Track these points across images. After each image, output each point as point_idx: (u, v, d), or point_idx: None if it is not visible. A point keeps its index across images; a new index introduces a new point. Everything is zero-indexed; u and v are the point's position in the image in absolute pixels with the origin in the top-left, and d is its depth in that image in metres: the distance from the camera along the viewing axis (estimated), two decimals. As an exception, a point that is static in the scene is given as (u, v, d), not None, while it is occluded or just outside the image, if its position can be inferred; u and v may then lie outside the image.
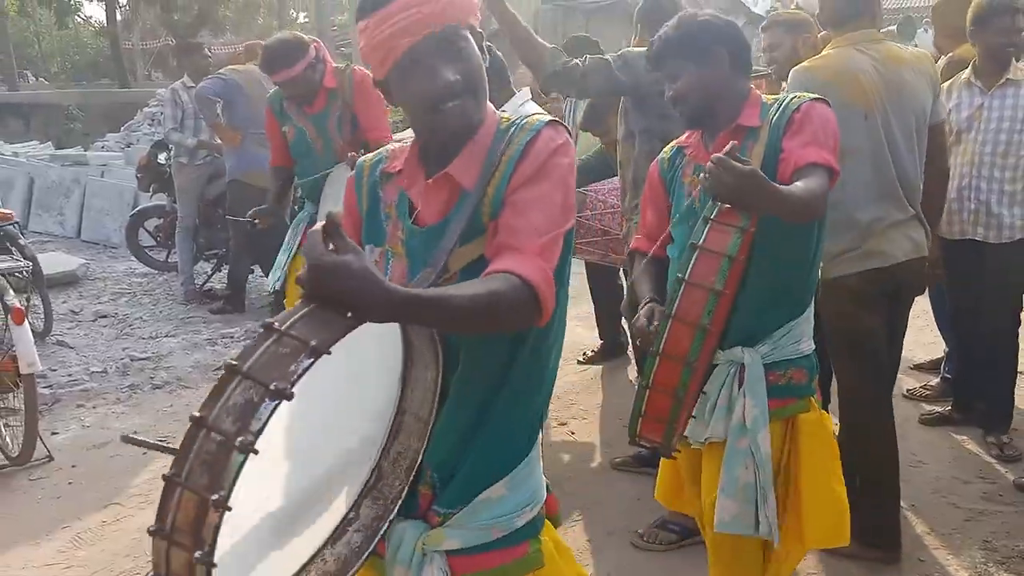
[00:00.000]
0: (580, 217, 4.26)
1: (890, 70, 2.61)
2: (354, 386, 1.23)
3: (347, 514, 1.29)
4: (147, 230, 7.07)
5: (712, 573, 2.24)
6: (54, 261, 6.87)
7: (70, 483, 3.48)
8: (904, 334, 2.96)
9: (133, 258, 7.23)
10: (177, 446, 0.96)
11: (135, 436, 1.10)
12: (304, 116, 3.67)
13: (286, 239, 3.86)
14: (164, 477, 0.97)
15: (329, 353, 1.00)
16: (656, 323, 1.90)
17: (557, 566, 1.43)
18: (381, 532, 1.30)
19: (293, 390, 0.95)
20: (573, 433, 3.88)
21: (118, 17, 24.72)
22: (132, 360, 4.96)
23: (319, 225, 1.06)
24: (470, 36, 1.32)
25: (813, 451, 2.09)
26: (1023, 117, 3.29)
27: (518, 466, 1.38)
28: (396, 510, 1.31)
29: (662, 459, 2.35)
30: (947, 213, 3.42)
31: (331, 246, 1.02)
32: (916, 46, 12.37)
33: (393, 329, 1.24)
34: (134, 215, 7.21)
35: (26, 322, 3.43)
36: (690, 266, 1.73)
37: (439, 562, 1.33)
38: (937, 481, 3.34)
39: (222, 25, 26.91)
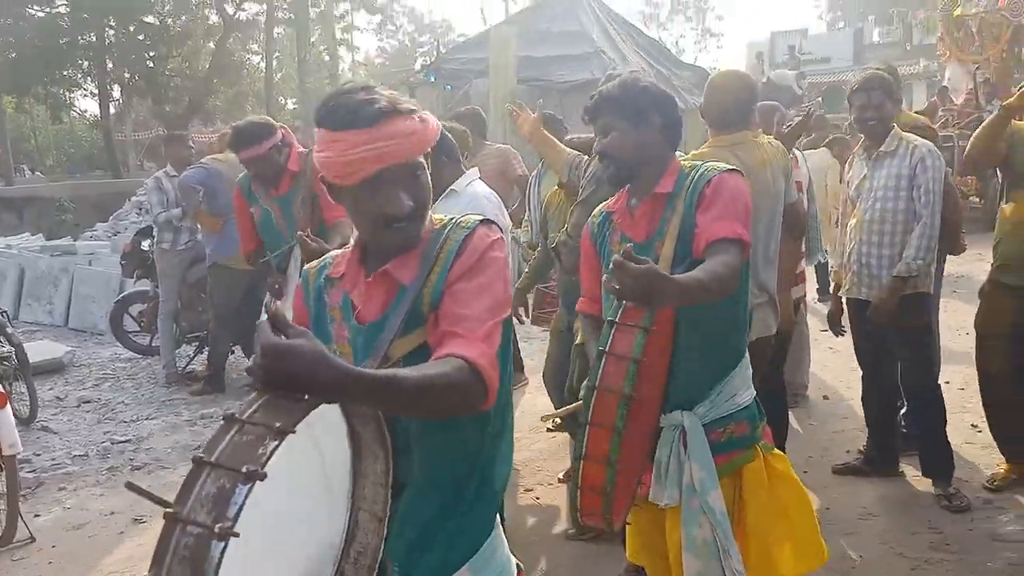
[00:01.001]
0: (543, 287, 4.48)
1: (754, 173, 2.84)
2: (309, 491, 1.24)
3: None
4: (131, 315, 7.23)
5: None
6: (41, 349, 7.02)
7: (50, 563, 3.58)
8: None
9: (118, 344, 7.38)
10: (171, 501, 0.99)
11: (137, 485, 1.08)
12: (270, 198, 3.87)
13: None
14: (165, 514, 0.99)
15: (294, 432, 1.04)
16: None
17: None
18: None
19: (264, 471, 0.98)
20: (539, 499, 4.00)
21: (111, 110, 25.36)
22: (113, 443, 5.08)
23: (265, 318, 1.13)
24: (426, 164, 1.47)
25: (757, 498, 2.16)
26: (895, 185, 3.57)
27: (483, 547, 1.46)
28: None
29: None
30: (846, 273, 3.81)
31: (280, 332, 1.09)
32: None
33: (339, 424, 1.27)
34: (118, 301, 7.38)
35: (8, 406, 3.58)
36: (609, 339, 1.86)
37: None
38: (885, 533, 3.48)
39: (212, 115, 27.56)
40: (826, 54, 31.55)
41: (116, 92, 25.15)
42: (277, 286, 3.95)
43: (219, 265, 5.79)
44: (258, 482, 0.98)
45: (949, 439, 3.76)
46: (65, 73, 23.26)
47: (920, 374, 3.74)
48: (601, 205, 2.38)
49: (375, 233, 1.46)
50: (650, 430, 2.11)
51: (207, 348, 6.48)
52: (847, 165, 3.98)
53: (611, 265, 1.70)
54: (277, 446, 1.02)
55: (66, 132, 32.92)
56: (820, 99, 17.05)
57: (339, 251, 1.61)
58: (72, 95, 25.27)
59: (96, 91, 24.81)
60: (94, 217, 13.75)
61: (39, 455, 4.84)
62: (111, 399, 6.09)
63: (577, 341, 3.17)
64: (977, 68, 12.79)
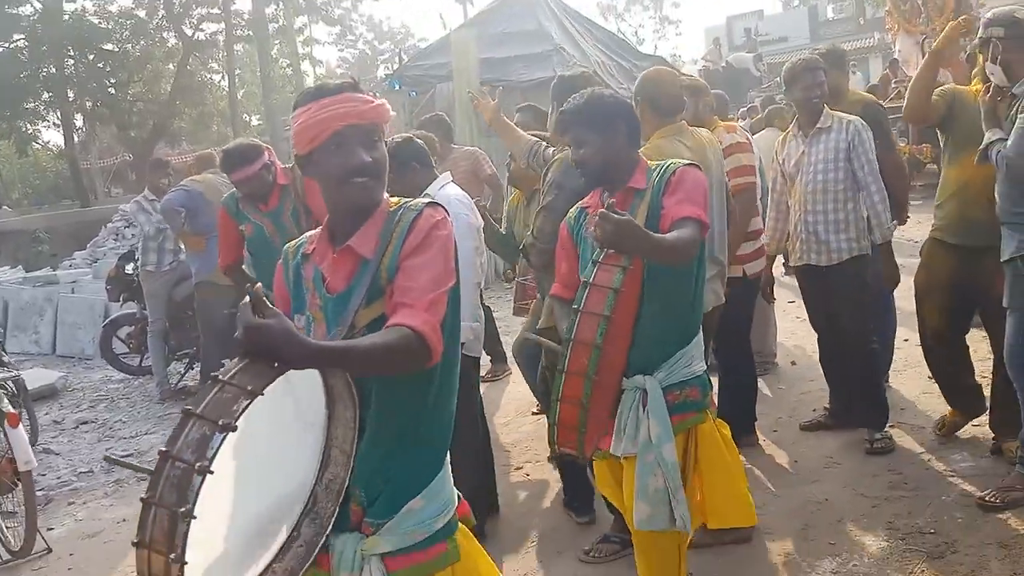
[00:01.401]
0: (522, 280, 4.73)
1: (699, 153, 3.23)
2: (290, 431, 1.54)
3: (291, 533, 1.57)
4: (119, 338, 7.39)
5: (639, 564, 2.62)
6: (33, 376, 7.17)
7: (69, 569, 3.79)
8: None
9: (108, 366, 7.55)
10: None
11: (114, 456, 1.41)
12: (260, 213, 4.09)
13: None
14: (141, 499, 1.28)
15: (263, 395, 1.33)
16: None
17: (471, 558, 1.79)
18: (319, 546, 1.59)
19: (236, 424, 1.28)
20: (528, 475, 4.25)
21: (75, 139, 25.27)
22: (116, 458, 5.26)
23: (246, 298, 1.40)
24: (382, 136, 1.73)
25: (710, 455, 2.50)
26: (833, 158, 3.86)
27: (432, 482, 1.72)
28: (330, 527, 1.60)
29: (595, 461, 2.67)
30: (791, 244, 4.09)
31: (258, 313, 1.37)
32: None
33: (316, 379, 1.54)
34: (107, 325, 7.55)
35: (21, 425, 3.78)
36: (583, 298, 2.15)
37: (376, 563, 1.65)
38: (847, 476, 3.76)
39: (177, 136, 27.55)
40: (783, 34, 32.06)
41: (79, 121, 25.07)
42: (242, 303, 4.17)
43: (205, 282, 5.98)
44: (230, 432, 1.27)
45: (899, 389, 4.03)
46: (28, 106, 23.18)
47: (856, 329, 3.99)
48: (579, 203, 2.65)
49: (338, 191, 1.69)
50: (614, 389, 2.39)
51: (197, 364, 6.68)
52: (780, 143, 4.23)
53: (597, 214, 2.03)
54: (248, 404, 1.31)
55: (30, 164, 32.73)
56: (779, 79, 17.41)
57: (313, 232, 1.85)
58: (36, 127, 25.15)
59: (59, 121, 24.73)
60: (71, 246, 13.86)
61: (44, 475, 5.02)
62: (108, 418, 6.28)
63: (541, 324, 3.39)
64: (925, 39, 13.14)
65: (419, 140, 3.53)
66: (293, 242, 1.88)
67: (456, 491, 1.81)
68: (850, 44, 27.83)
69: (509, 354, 6.02)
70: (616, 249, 2.12)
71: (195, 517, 1.25)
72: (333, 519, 1.61)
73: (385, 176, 1.73)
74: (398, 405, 1.67)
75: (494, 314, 6.19)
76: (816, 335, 4.35)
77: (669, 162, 2.47)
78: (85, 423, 6.23)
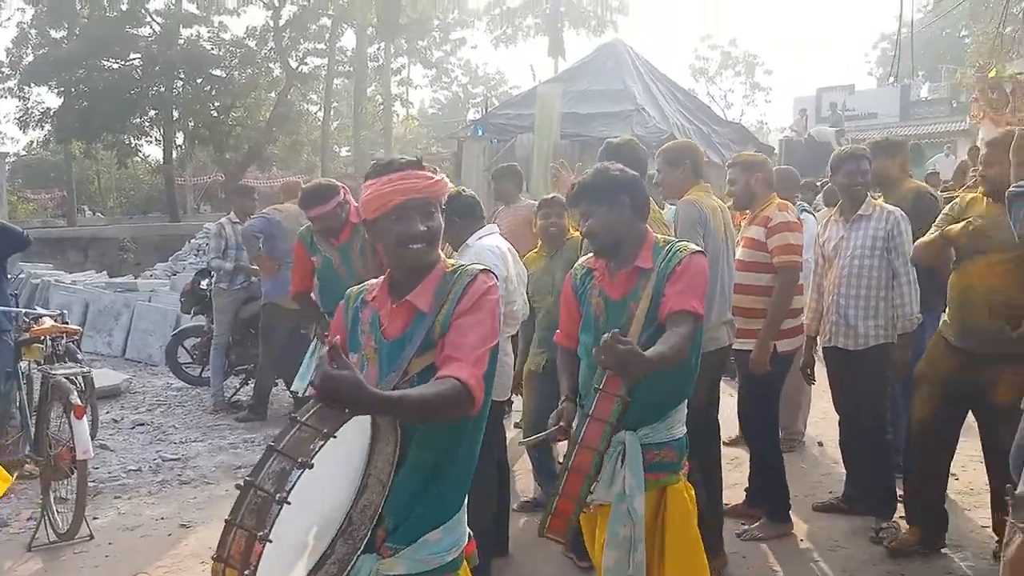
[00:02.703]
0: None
1: (720, 209, 3.64)
2: (337, 459, 1.68)
3: (326, 551, 1.73)
4: (185, 348, 7.86)
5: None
6: (101, 376, 7.64)
7: (107, 556, 4.09)
8: None
9: (171, 374, 8.01)
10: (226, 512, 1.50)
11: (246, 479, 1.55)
12: (331, 247, 4.44)
13: (310, 351, 4.53)
14: (225, 520, 1.48)
15: (335, 436, 1.53)
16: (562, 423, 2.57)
17: None
18: (351, 565, 1.76)
19: (312, 462, 1.48)
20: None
21: (174, 156, 26.67)
22: (163, 460, 5.63)
23: (326, 349, 1.61)
24: (439, 207, 1.98)
25: (675, 516, 2.62)
26: (871, 245, 3.96)
27: (451, 519, 1.95)
28: (362, 547, 1.78)
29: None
30: (822, 325, 4.18)
31: (335, 364, 1.57)
32: (935, 172, 13.13)
33: (365, 417, 1.73)
34: (175, 335, 8.06)
35: (85, 417, 4.14)
36: (582, 431, 2.35)
37: None
38: (848, 562, 3.82)
39: (269, 161, 28.75)
40: (873, 110, 31.73)
41: (179, 139, 26.46)
42: (326, 334, 4.48)
43: (272, 304, 6.40)
44: (307, 469, 1.48)
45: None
46: (134, 121, 24.62)
47: (873, 418, 4.06)
48: (583, 259, 2.84)
49: (396, 255, 1.93)
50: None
51: (253, 380, 7.06)
52: (822, 226, 4.36)
53: (603, 340, 2.17)
54: (323, 444, 1.51)
55: (128, 175, 34.55)
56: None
57: (374, 281, 2.11)
58: (139, 141, 26.64)
59: (161, 137, 26.18)
60: (154, 257, 14.68)
61: (97, 468, 5.38)
62: (163, 423, 6.67)
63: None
64: (1010, 128, 12.99)
65: (467, 194, 3.80)
66: (355, 288, 2.14)
67: (468, 530, 2.02)
68: (942, 126, 27.46)
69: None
70: (618, 374, 2.28)
71: (271, 541, 1.44)
72: (365, 540, 1.78)
73: (439, 242, 1.99)
74: (435, 445, 1.89)
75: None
76: (839, 418, 4.42)
77: (678, 246, 2.60)
78: (141, 424, 6.62)
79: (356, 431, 1.73)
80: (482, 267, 1.99)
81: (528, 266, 4.14)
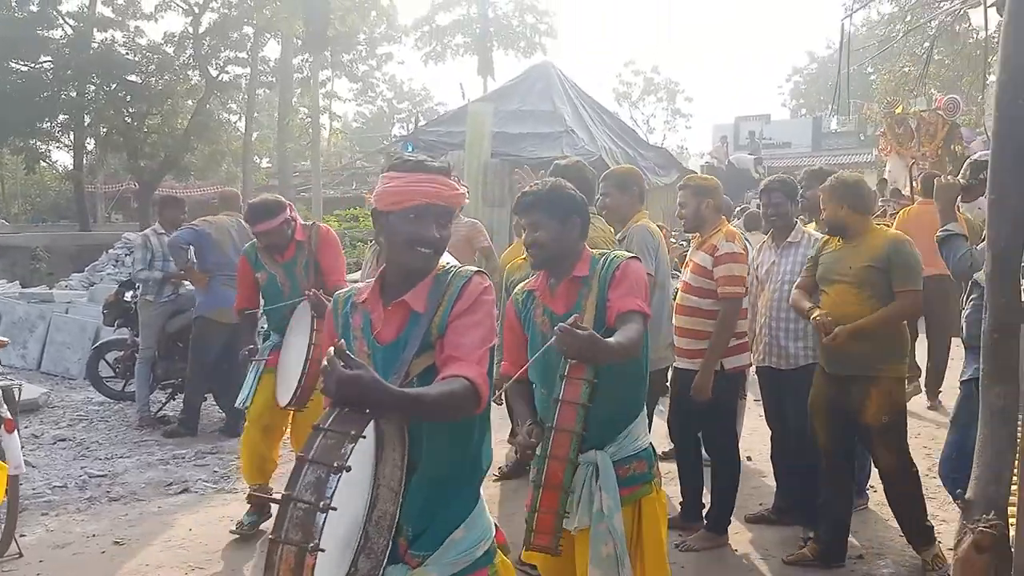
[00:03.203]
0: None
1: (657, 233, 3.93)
2: (345, 478, 1.60)
3: (349, 570, 1.64)
4: (107, 362, 7.61)
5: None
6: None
7: (38, 574, 3.93)
8: None
9: (91, 388, 7.74)
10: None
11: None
12: (275, 264, 4.40)
13: (251, 365, 4.47)
14: (269, 539, 1.46)
15: (364, 437, 1.52)
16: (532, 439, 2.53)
17: None
18: None
19: (348, 464, 1.46)
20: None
21: (84, 162, 25.67)
22: (90, 477, 5.44)
23: (332, 351, 1.58)
24: (451, 219, 2.00)
25: (650, 524, 2.69)
26: (799, 271, 4.15)
27: (471, 513, 1.97)
28: (385, 560, 1.73)
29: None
30: (755, 345, 4.37)
31: (346, 365, 1.56)
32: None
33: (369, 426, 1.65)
34: (96, 348, 7.79)
35: (15, 431, 3.99)
36: (556, 416, 2.39)
37: None
38: (778, 568, 4.01)
39: (186, 171, 27.94)
40: (787, 139, 33.11)
41: (90, 145, 25.50)
42: (251, 347, 4.45)
43: (204, 318, 6.28)
44: (344, 472, 1.45)
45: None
46: (43, 126, 23.62)
47: (801, 430, 4.20)
48: (521, 284, 2.90)
49: (403, 254, 1.95)
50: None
51: (180, 394, 6.89)
52: (757, 249, 4.59)
53: (556, 329, 2.21)
54: (354, 447, 1.51)
55: (34, 181, 33.08)
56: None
57: (360, 284, 2.12)
58: (47, 147, 25.58)
59: (71, 143, 25.18)
60: (68, 267, 14.09)
61: (21, 485, 5.15)
62: (86, 438, 6.44)
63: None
64: (914, 162, 13.78)
65: None
66: (342, 292, 2.14)
67: (492, 521, 2.04)
68: (849, 158, 28.77)
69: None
70: (581, 361, 2.35)
71: (322, 550, 1.42)
72: (387, 552, 1.73)
73: (443, 252, 2.02)
74: (445, 448, 1.91)
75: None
76: (771, 433, 4.62)
77: (612, 254, 2.69)
78: (63, 440, 6.39)
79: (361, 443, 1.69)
80: (476, 269, 2.03)
81: (513, 273, 4.18)
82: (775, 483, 4.68)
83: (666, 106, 50.35)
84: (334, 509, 1.45)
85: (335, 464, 1.48)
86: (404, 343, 1.92)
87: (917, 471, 3.87)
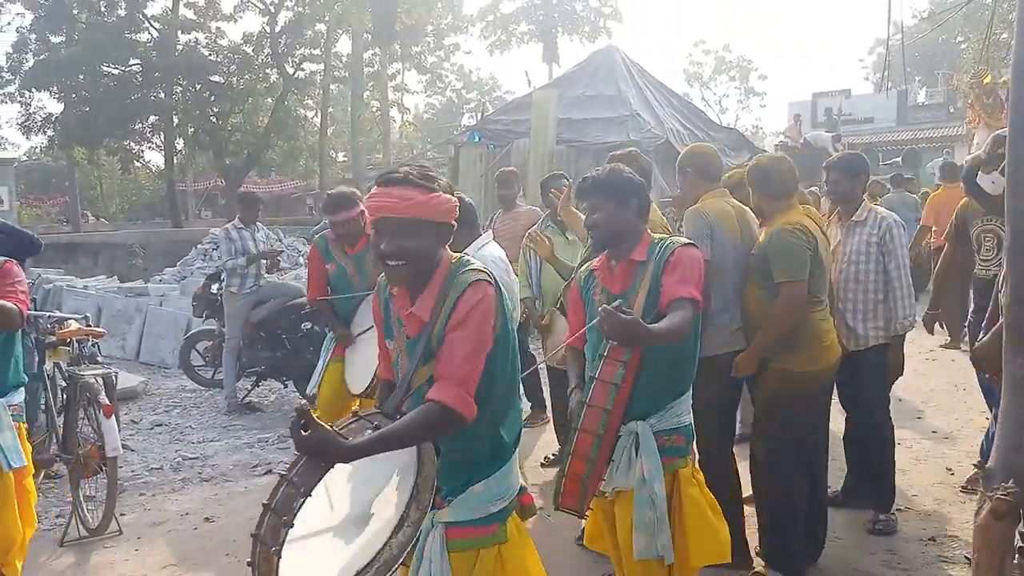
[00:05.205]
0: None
1: (740, 212, 3.70)
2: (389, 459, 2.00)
3: (402, 516, 1.93)
4: (198, 351, 8.04)
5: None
6: (119, 379, 7.82)
7: (136, 551, 4.27)
8: None
9: (184, 376, 8.20)
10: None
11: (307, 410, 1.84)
12: (346, 255, 4.59)
13: (321, 355, 4.70)
14: (252, 535, 1.78)
15: (312, 496, 1.80)
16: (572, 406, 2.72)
17: (516, 544, 2.19)
18: (422, 525, 1.99)
19: (293, 520, 1.76)
20: (549, 516, 4.57)
21: (175, 162, 26.80)
22: (183, 459, 5.82)
23: (297, 409, 1.81)
24: (425, 226, 2.03)
25: (690, 495, 2.77)
26: (865, 251, 4.11)
27: (494, 474, 2.15)
28: (429, 508, 2.02)
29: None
30: None
31: (305, 428, 1.78)
32: (933, 174, 13.29)
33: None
34: (187, 338, 8.24)
35: (114, 416, 4.32)
36: (589, 391, 2.54)
37: (440, 530, 2.11)
38: (846, 551, 3.99)
39: (268, 167, 28.89)
40: (869, 114, 31.84)
41: (180, 144, 26.58)
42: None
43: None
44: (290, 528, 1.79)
45: (915, 478, 4.21)
46: (135, 127, 24.75)
47: (872, 415, 4.24)
48: (586, 264, 3.03)
49: (381, 267, 2.10)
50: (614, 439, 2.73)
51: (264, 382, 7.24)
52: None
53: (600, 311, 2.33)
54: (303, 501, 1.79)
55: (131, 181, 34.66)
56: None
57: None
58: (140, 147, 26.78)
59: (162, 143, 26.33)
60: (162, 262, 14.83)
61: (120, 467, 5.52)
62: (180, 423, 6.87)
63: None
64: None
65: (465, 201, 3.97)
66: (383, 278, 2.29)
67: (521, 480, 2.23)
68: (939, 131, 27.66)
69: (549, 402, 6.38)
70: (620, 343, 2.47)
71: (281, 556, 1.74)
72: (431, 503, 2.04)
73: (418, 260, 2.08)
74: (459, 434, 2.06)
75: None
76: (844, 415, 4.59)
77: (670, 240, 2.77)
78: (159, 425, 6.82)
79: None
80: (476, 277, 2.08)
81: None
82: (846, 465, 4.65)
83: (739, 85, 49.25)
84: (292, 526, 1.78)
85: (284, 519, 1.78)
86: (416, 344, 2.12)
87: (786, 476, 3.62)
